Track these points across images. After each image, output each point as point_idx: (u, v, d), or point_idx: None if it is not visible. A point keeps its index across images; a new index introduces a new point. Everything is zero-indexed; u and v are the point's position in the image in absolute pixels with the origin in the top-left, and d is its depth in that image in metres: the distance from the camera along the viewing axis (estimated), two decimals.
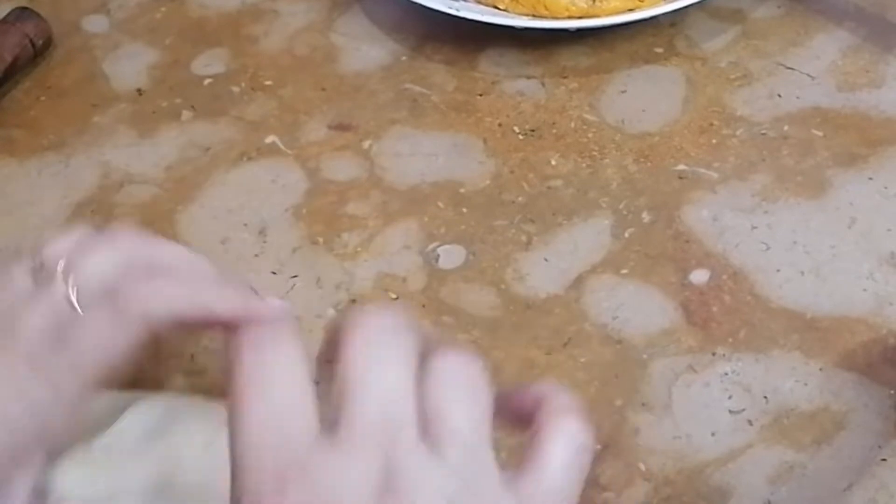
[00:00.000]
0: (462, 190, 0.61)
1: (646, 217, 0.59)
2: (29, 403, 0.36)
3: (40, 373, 0.36)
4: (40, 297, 0.37)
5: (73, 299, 0.36)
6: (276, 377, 0.30)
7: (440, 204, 0.61)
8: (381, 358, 0.30)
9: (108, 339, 0.36)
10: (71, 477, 0.41)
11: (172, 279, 0.38)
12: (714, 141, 0.62)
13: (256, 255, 0.59)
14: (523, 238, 0.58)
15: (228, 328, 0.33)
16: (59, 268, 0.37)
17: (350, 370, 0.30)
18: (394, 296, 0.56)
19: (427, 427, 0.30)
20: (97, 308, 0.36)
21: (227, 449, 0.30)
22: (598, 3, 0.66)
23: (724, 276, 0.56)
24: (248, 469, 0.29)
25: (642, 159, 0.62)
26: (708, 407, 0.51)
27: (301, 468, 0.29)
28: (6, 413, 0.35)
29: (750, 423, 0.50)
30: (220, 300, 0.35)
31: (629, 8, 0.66)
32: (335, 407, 0.29)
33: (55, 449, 0.39)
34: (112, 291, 0.36)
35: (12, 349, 0.36)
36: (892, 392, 0.50)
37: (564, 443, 0.31)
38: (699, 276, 0.56)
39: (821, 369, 0.51)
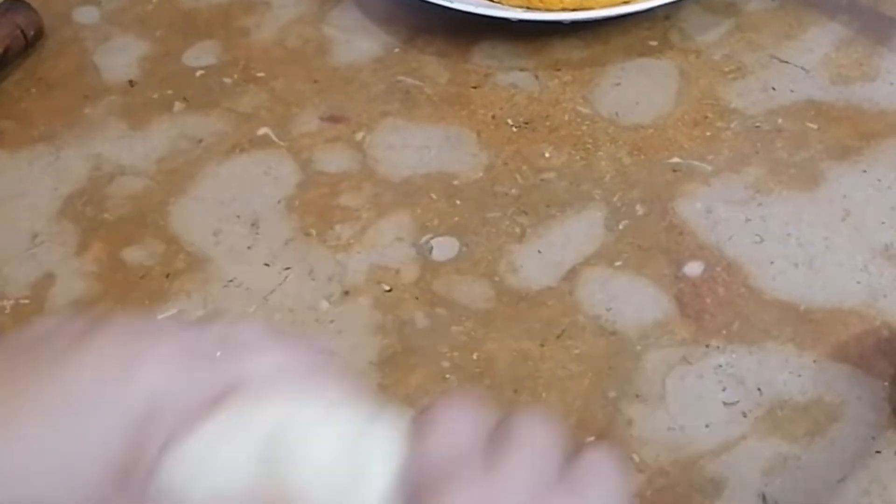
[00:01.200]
0: (455, 182, 0.61)
1: (639, 209, 0.59)
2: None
3: None
4: None
5: None
6: (460, 416, 0.37)
7: (433, 196, 0.61)
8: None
9: None
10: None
11: None
12: (708, 133, 0.62)
13: (249, 248, 0.59)
14: (517, 230, 0.58)
15: None
16: None
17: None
18: (387, 288, 0.56)
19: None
20: None
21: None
22: None
23: (718, 269, 0.55)
24: (428, 463, 0.36)
25: (636, 152, 0.62)
26: (702, 399, 0.50)
27: (470, 471, 0.36)
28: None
29: (744, 414, 0.50)
30: None
31: (623, 1, 0.66)
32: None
33: None
34: None
35: None
36: (886, 384, 0.50)
37: None
38: (693, 269, 0.56)
39: (814, 361, 0.51)
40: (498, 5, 0.67)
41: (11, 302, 0.57)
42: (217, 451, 0.40)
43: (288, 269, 0.58)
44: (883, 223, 0.57)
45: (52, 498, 0.38)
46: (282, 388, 0.41)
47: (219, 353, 0.41)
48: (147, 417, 0.39)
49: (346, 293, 0.56)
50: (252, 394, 0.40)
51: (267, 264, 0.58)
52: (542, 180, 0.61)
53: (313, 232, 0.59)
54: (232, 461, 0.40)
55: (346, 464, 0.39)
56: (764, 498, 0.47)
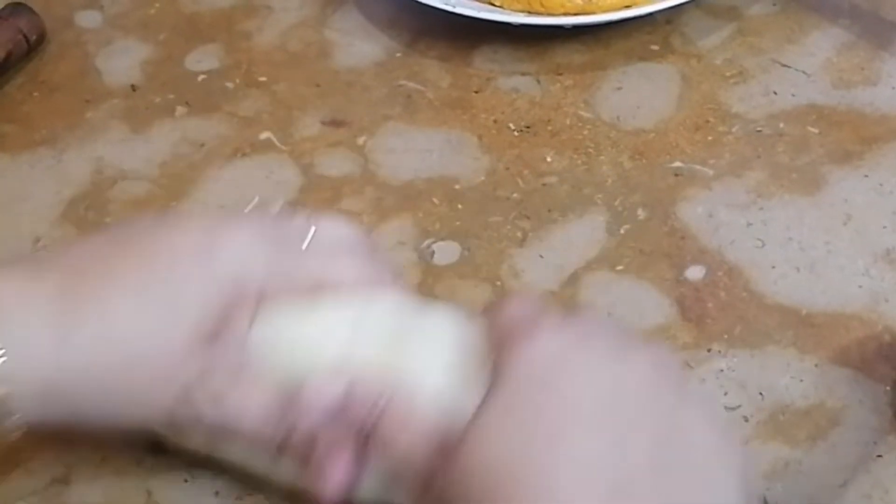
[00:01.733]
0: (457, 186, 0.61)
1: (641, 214, 0.59)
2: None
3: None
4: None
5: None
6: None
7: (435, 200, 0.61)
8: None
9: None
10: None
11: None
12: (709, 138, 0.62)
13: None
14: (518, 234, 0.58)
15: None
16: None
17: None
18: None
19: None
20: None
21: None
22: (593, 0, 0.66)
23: (720, 273, 0.55)
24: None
25: (637, 156, 0.62)
26: None
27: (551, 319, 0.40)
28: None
29: (745, 419, 0.50)
30: None
31: (625, 5, 0.66)
32: None
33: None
34: None
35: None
36: (888, 388, 0.50)
37: None
38: (694, 273, 0.56)
39: (816, 365, 0.51)
40: (499, 10, 0.67)
41: None
42: (311, 327, 0.43)
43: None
44: (885, 227, 0.57)
45: (149, 355, 0.41)
46: (361, 292, 0.44)
47: (304, 247, 0.45)
48: (234, 289, 0.42)
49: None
50: (336, 293, 0.44)
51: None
52: (544, 184, 0.61)
53: None
54: (324, 338, 0.43)
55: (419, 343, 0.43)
56: (765, 502, 0.47)
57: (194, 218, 0.45)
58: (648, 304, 0.54)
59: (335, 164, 0.63)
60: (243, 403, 0.41)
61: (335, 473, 0.40)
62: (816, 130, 0.62)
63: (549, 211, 0.59)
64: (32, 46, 0.70)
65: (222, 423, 0.42)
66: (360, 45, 0.70)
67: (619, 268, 0.56)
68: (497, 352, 0.39)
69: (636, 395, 0.37)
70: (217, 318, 0.41)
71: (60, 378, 0.40)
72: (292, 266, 0.44)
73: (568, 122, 0.64)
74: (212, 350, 0.41)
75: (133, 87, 0.69)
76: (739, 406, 0.50)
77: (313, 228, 0.45)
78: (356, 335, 0.43)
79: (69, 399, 0.41)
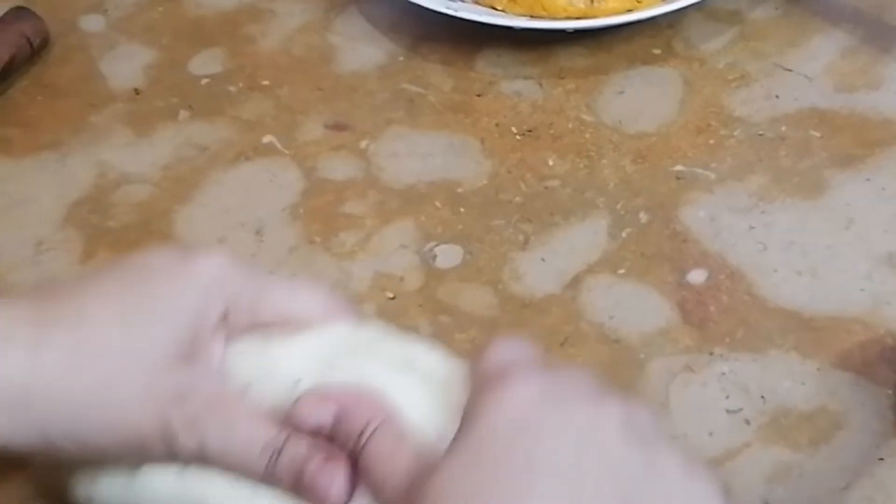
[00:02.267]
0: (459, 190, 0.61)
1: (643, 217, 0.59)
2: None
3: None
4: None
5: None
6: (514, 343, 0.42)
7: (437, 204, 0.61)
8: None
9: None
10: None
11: None
12: (711, 141, 0.63)
13: (253, 255, 0.59)
14: (520, 238, 0.58)
15: None
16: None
17: None
18: (391, 295, 0.56)
19: None
20: None
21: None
22: (595, 4, 0.66)
23: (722, 276, 0.56)
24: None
25: (639, 160, 0.62)
26: (705, 406, 0.50)
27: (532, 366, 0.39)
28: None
29: (747, 422, 0.50)
30: None
31: (627, 9, 0.66)
32: None
33: None
34: None
35: None
36: (890, 392, 0.50)
37: None
38: (696, 276, 0.56)
39: (818, 369, 0.51)
40: (502, 14, 0.68)
41: None
42: (289, 357, 0.43)
43: (292, 276, 0.58)
44: (886, 231, 0.57)
45: (124, 370, 0.40)
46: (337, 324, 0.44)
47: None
48: (207, 309, 0.41)
49: (351, 301, 0.56)
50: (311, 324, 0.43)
51: (271, 272, 0.58)
52: (546, 188, 0.61)
53: (318, 239, 0.59)
54: (304, 364, 0.42)
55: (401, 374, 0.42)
56: None
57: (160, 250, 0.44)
58: (650, 307, 0.54)
59: (338, 168, 0.63)
60: (224, 430, 0.40)
61: (332, 487, 0.39)
62: (818, 134, 0.62)
63: (551, 214, 0.59)
64: (36, 50, 0.70)
65: (201, 450, 0.40)
66: (362, 50, 0.71)
67: (621, 271, 0.56)
68: (471, 396, 0.38)
69: (603, 453, 0.36)
70: (191, 338, 0.41)
71: (32, 391, 0.39)
72: (263, 290, 0.43)
73: (570, 125, 0.64)
74: (188, 371, 0.40)
75: (136, 91, 0.69)
76: (741, 409, 0.50)
77: None
78: (336, 364, 0.42)
79: (40, 416, 0.39)
